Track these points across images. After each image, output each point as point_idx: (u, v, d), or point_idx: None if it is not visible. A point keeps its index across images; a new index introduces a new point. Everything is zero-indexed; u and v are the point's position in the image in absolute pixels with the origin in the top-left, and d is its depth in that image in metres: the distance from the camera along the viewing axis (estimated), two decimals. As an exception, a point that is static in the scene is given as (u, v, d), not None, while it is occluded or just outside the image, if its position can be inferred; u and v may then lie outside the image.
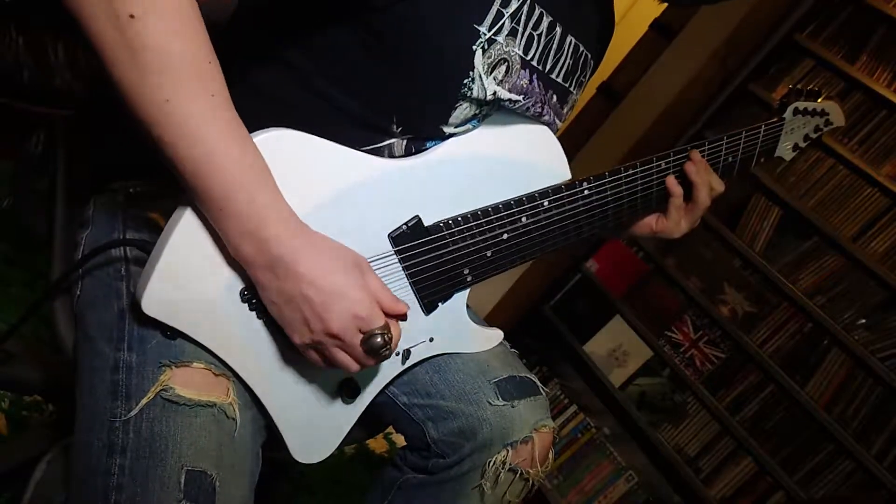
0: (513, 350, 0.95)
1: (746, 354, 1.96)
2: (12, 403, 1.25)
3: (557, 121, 0.86)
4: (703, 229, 2.07)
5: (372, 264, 0.69)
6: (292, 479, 1.53)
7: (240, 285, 0.64)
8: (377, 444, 1.83)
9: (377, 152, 0.72)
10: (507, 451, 0.83)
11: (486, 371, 0.87)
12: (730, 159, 0.99)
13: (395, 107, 0.70)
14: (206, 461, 0.63)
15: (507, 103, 0.76)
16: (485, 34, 0.67)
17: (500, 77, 0.72)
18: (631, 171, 0.89)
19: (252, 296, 0.64)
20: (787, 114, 1.04)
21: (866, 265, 1.82)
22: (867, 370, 1.79)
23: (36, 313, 0.73)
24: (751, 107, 2.06)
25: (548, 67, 0.78)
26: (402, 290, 0.75)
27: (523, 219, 0.81)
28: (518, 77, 0.74)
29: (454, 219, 0.76)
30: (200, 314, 0.62)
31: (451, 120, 0.74)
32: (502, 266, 0.83)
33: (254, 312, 0.65)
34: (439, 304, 0.81)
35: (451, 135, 0.76)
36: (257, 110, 0.64)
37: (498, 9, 0.67)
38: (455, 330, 0.85)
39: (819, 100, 1.07)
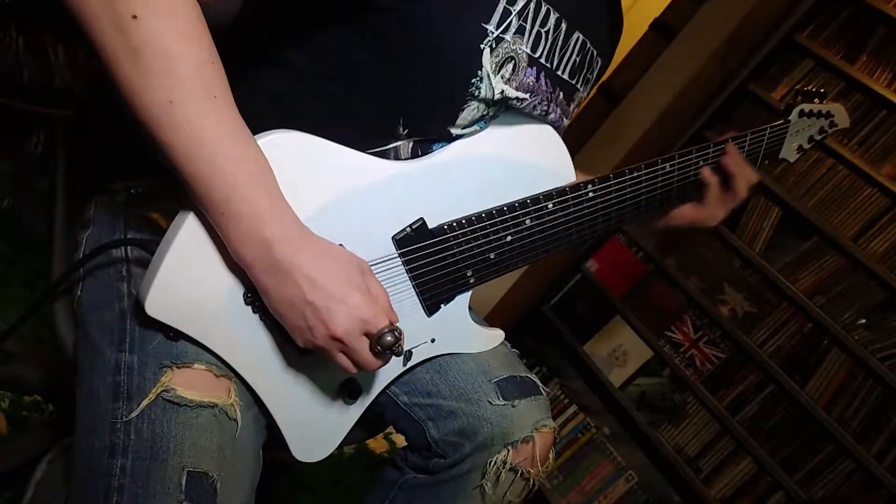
0: (513, 350, 0.95)
1: (746, 354, 1.96)
2: (12, 403, 1.25)
3: (564, 119, 0.86)
4: (703, 229, 2.07)
5: (375, 267, 0.68)
6: (293, 478, 1.53)
7: (243, 287, 0.63)
8: (377, 444, 1.83)
9: (383, 155, 0.71)
10: (508, 450, 0.83)
11: (486, 371, 0.87)
12: None
13: (401, 108, 0.69)
14: (207, 462, 0.63)
15: (514, 102, 0.75)
16: (492, 32, 0.67)
17: (507, 76, 0.71)
18: (636, 174, 0.89)
19: (256, 298, 0.63)
20: (793, 116, 1.04)
21: (866, 265, 1.82)
22: (867, 370, 1.79)
23: (36, 313, 0.73)
24: (751, 107, 2.05)
25: (555, 64, 0.77)
26: (404, 292, 0.75)
27: (527, 221, 0.81)
28: (525, 75, 0.73)
29: (458, 221, 0.76)
30: (204, 316, 0.62)
31: (459, 121, 0.73)
32: (506, 268, 0.83)
33: (257, 315, 0.65)
34: (442, 305, 0.80)
35: (458, 136, 0.75)
36: (261, 112, 0.63)
37: (505, 6, 0.66)
38: (457, 331, 0.85)
39: (824, 101, 1.06)
